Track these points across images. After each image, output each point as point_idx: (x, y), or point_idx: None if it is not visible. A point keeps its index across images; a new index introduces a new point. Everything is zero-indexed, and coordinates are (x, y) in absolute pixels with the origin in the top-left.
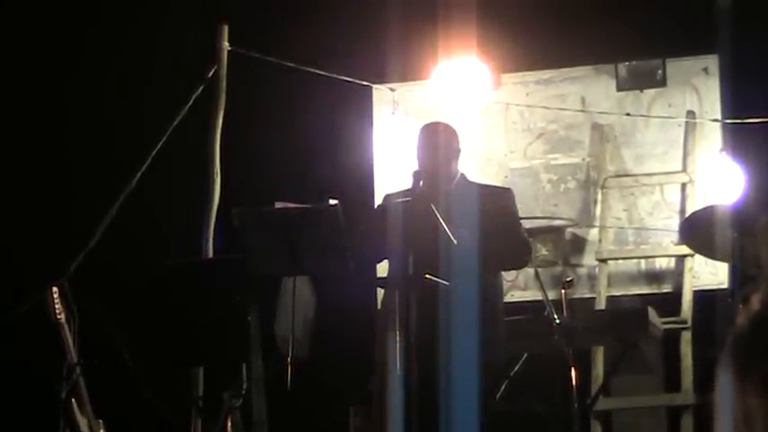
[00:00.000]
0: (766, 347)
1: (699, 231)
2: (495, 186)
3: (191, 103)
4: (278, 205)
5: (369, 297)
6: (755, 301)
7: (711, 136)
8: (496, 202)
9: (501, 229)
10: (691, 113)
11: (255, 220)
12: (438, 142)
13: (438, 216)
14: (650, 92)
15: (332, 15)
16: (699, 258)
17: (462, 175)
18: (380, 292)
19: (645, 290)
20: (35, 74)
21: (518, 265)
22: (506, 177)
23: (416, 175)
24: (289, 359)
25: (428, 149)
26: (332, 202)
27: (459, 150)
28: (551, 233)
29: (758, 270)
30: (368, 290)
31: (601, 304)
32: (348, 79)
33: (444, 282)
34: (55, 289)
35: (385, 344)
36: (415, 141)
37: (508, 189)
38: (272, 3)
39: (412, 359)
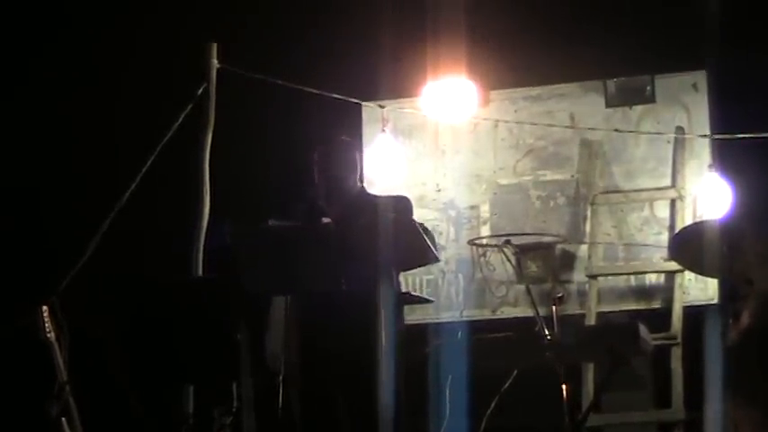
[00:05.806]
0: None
1: (688, 247)
2: (393, 195)
3: (180, 120)
4: (271, 223)
5: (363, 314)
6: (745, 317)
7: (700, 152)
8: (395, 210)
9: (400, 233)
10: (680, 129)
11: (249, 237)
12: (337, 158)
13: (423, 234)
14: (639, 108)
15: (322, 33)
16: (688, 274)
17: (362, 187)
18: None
19: (635, 306)
20: (24, 90)
21: (422, 263)
22: (495, 194)
23: (312, 191)
24: (280, 377)
25: (326, 165)
26: (325, 220)
27: (356, 164)
28: (541, 250)
29: (748, 287)
30: (362, 307)
31: (591, 320)
32: (338, 96)
33: (430, 299)
34: (45, 308)
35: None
36: (315, 158)
37: (404, 197)
38: (261, 21)
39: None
